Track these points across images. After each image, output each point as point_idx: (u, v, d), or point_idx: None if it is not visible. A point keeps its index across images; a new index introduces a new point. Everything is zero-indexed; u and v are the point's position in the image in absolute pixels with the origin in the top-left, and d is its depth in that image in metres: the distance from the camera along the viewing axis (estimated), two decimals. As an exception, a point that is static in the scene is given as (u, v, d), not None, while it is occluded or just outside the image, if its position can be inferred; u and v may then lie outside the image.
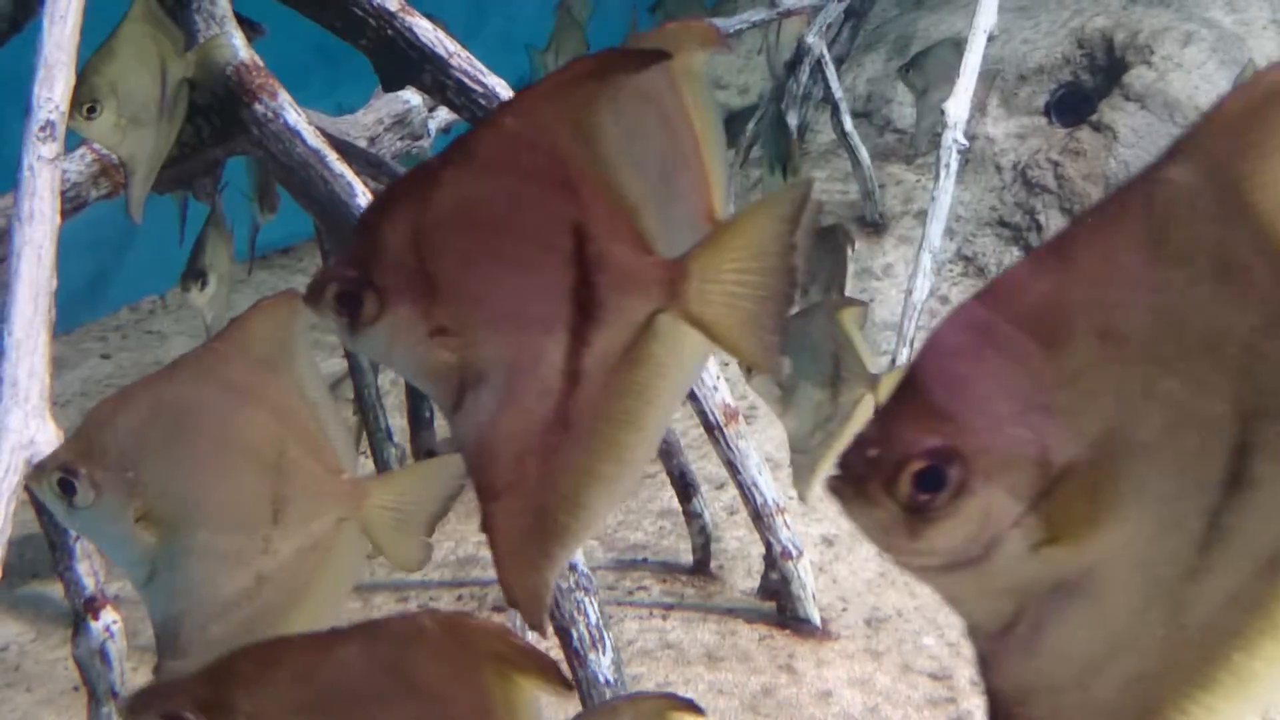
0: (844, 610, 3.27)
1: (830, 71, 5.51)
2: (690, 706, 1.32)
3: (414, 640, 1.10)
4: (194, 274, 3.65)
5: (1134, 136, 5.08)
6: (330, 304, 1.14)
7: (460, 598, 3.22)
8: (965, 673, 3.04)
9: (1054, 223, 5.08)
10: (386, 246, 1.11)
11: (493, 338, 1.11)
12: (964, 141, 4.55)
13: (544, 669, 1.08)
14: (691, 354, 1.17)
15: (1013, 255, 5.13)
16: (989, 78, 4.76)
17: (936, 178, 4.35)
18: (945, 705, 2.90)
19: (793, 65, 5.60)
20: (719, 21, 5.69)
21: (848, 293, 3.83)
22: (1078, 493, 0.82)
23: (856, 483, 0.82)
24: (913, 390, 0.84)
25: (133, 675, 2.84)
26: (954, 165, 4.32)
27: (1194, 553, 0.86)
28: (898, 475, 0.81)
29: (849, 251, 3.94)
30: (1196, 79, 5.18)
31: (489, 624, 1.12)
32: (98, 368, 5.27)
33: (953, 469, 0.80)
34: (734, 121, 5.79)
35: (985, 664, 0.87)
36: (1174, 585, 0.86)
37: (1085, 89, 5.42)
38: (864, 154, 5.39)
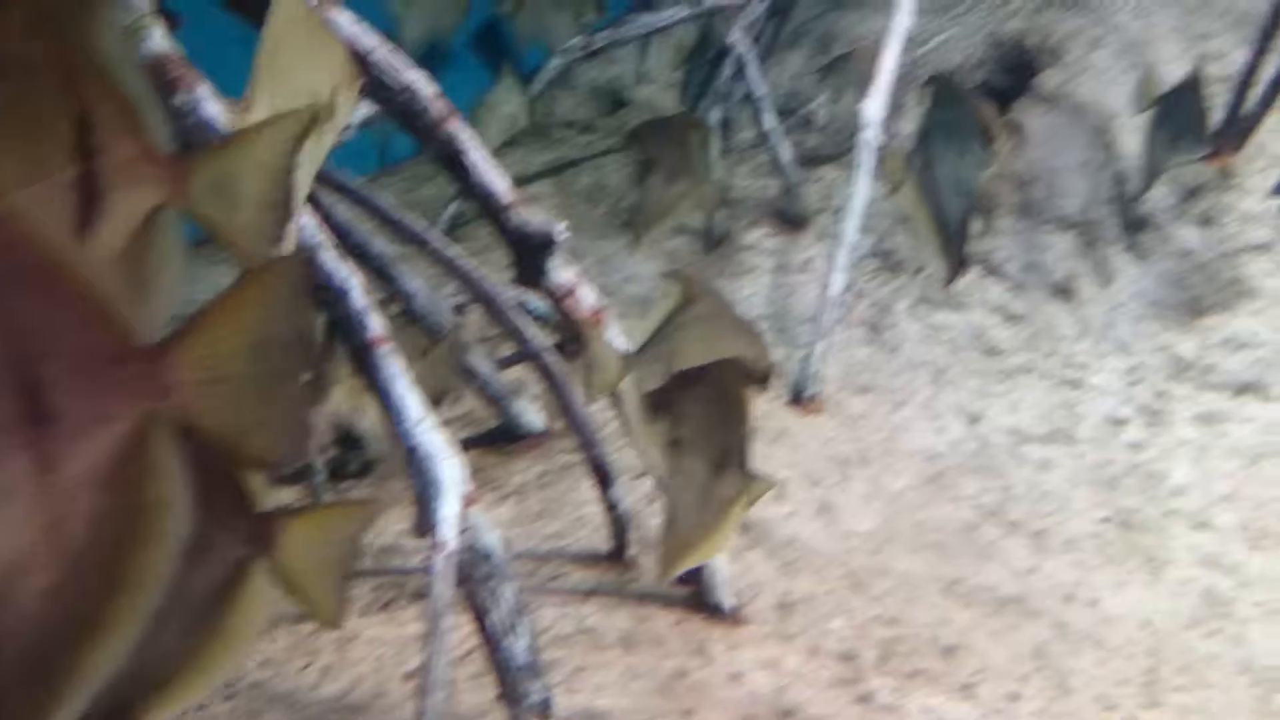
0: (756, 595, 3.36)
1: (753, 69, 5.60)
2: None
3: None
4: None
5: (1044, 135, 5.24)
6: None
7: (379, 586, 3.26)
8: (871, 654, 3.15)
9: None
10: None
11: None
12: (880, 140, 4.67)
13: None
14: None
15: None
16: (907, 79, 4.89)
17: (852, 176, 4.47)
18: (851, 684, 3.01)
19: (715, 61, 5.70)
20: (646, 17, 5.77)
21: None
22: None
23: None
24: None
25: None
26: (868, 164, 4.44)
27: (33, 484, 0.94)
28: None
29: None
30: (1104, 82, 5.35)
31: None
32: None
33: None
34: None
35: None
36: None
37: (999, 90, 5.58)
38: (784, 151, 5.49)
